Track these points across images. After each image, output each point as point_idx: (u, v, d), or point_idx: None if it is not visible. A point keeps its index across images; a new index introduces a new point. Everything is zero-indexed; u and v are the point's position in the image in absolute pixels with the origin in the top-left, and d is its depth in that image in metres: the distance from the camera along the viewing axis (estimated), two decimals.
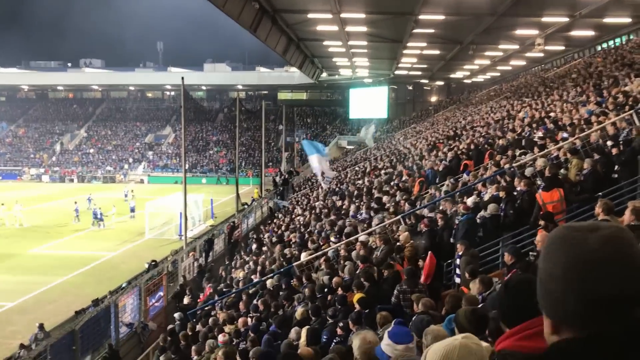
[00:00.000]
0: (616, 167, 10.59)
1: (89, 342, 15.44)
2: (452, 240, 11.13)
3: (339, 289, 9.65)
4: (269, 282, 13.58)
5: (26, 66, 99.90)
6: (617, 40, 33.05)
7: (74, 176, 68.03)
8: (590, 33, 31.91)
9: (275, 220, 29.23)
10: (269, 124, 69.25)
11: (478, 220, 11.11)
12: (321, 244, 15.19)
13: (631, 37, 30.99)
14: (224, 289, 17.87)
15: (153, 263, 23.27)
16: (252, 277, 16.48)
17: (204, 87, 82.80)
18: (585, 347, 1.13)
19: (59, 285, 24.15)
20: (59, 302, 21.46)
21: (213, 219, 37.23)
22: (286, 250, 17.02)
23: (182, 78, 28.32)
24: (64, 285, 24.26)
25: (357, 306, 8.67)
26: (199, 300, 18.51)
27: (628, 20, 28.49)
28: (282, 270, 14.10)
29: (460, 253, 9.20)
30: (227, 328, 11.79)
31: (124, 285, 20.24)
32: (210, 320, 13.66)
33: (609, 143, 11.39)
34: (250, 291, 14.73)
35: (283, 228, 23.64)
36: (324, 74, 60.65)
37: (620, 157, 10.56)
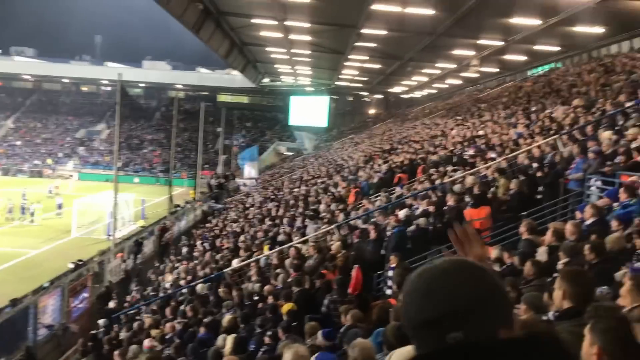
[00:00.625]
0: (540, 189, 11.15)
1: (4, 344, 14.67)
2: (382, 252, 11.36)
3: (270, 297, 9.64)
4: (198, 288, 13.38)
5: None
6: (547, 66, 34.78)
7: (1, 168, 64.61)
8: (522, 58, 33.43)
9: (208, 225, 28.82)
10: (207, 126, 68.25)
11: (408, 234, 11.41)
12: (254, 251, 15.12)
13: (559, 65, 32.70)
14: (152, 293, 17.46)
15: (79, 262, 22.41)
16: (182, 282, 16.19)
17: (142, 85, 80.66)
18: None
19: None
20: None
21: (144, 220, 36.29)
22: (218, 256, 16.84)
23: (120, 74, 27.56)
24: None
25: (287, 316, 8.70)
26: (125, 304, 17.98)
27: (557, 48, 30.07)
28: (212, 276, 13.93)
29: (392, 265, 9.39)
30: (153, 332, 11.53)
31: (46, 285, 19.37)
32: (136, 324, 13.32)
33: (535, 165, 11.99)
34: (180, 296, 14.46)
35: (216, 233, 23.35)
36: (266, 79, 60.57)
37: (544, 179, 11.12)
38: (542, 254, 7.35)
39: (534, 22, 23.95)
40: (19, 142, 71.38)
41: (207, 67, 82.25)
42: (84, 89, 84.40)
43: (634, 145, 9.77)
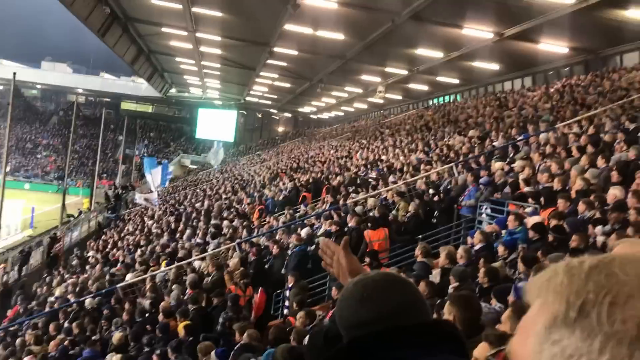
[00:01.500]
0: (436, 213, 11.66)
1: None
2: (283, 271, 11.35)
3: (161, 314, 9.31)
4: (87, 303, 12.67)
5: None
6: (447, 97, 36.70)
7: None
8: (424, 88, 35.08)
9: (102, 237, 27.46)
10: (108, 134, 65.54)
11: (309, 253, 11.48)
12: (150, 265, 14.57)
13: (458, 97, 34.60)
14: (36, 308, 16.31)
15: None
16: (70, 296, 15.25)
17: (39, 86, 76.08)
18: None
19: None
20: None
21: (32, 229, 33.99)
22: (112, 270, 16.06)
23: (14, 73, 25.86)
24: None
25: (182, 334, 8.43)
26: (4, 320, 16.66)
27: (456, 81, 31.85)
28: (104, 291, 13.25)
29: (290, 285, 9.39)
30: (34, 349, 10.76)
31: None
32: (18, 341, 12.38)
33: (431, 190, 12.55)
34: (68, 311, 13.60)
35: (110, 246, 22.29)
36: (174, 90, 59.26)
37: (440, 204, 11.64)
38: (435, 276, 7.66)
39: (437, 54, 25.26)
40: None
41: (112, 72, 79.12)
42: None
43: (521, 176, 10.48)
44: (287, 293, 9.40)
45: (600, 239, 6.46)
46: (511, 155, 12.75)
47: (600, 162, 9.36)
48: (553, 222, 7.28)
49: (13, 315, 17.11)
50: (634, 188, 7.44)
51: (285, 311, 9.43)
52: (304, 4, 19.60)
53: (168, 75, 49.17)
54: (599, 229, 6.75)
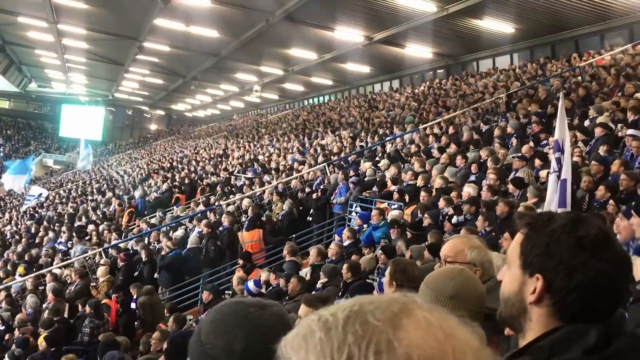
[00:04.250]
0: (311, 211, 11.88)
1: None
2: (156, 275, 10.96)
3: (17, 328, 8.62)
4: None
5: None
6: (322, 98, 37.53)
7: None
8: (300, 88, 35.59)
9: None
10: None
11: (183, 256, 11.21)
12: (2, 276, 13.39)
13: (332, 97, 35.51)
14: None
15: None
16: None
17: None
18: None
19: None
20: None
21: None
22: None
23: None
24: None
25: (43, 346, 7.88)
26: None
27: (330, 82, 32.67)
28: None
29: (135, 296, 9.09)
30: None
31: None
32: None
33: (308, 189, 12.77)
34: None
35: None
36: (34, 84, 54.86)
37: (316, 202, 11.87)
38: (305, 273, 7.82)
39: (311, 55, 25.75)
40: None
41: None
42: None
43: (388, 175, 11.00)
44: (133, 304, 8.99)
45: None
46: (379, 155, 13.32)
47: (460, 161, 10.08)
48: (411, 219, 7.74)
49: None
50: (489, 183, 8.11)
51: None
52: None
53: (27, 69, 45.49)
54: (454, 219, 7.31)
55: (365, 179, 11.52)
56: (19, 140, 67.97)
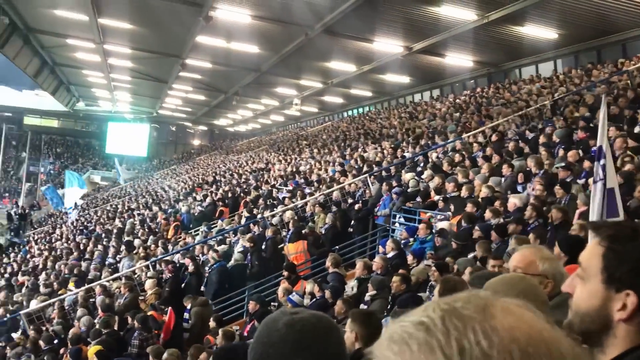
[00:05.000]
0: (352, 223, 11.85)
1: None
2: (202, 288, 11.11)
3: (73, 341, 8.84)
4: None
5: None
6: (361, 109, 37.54)
7: None
8: (339, 100, 35.71)
9: (5, 260, 25.71)
10: (10, 150, 61.77)
11: (229, 268, 11.33)
12: (57, 289, 13.80)
13: (371, 108, 35.47)
14: None
15: None
16: None
17: None
18: None
19: None
20: None
21: None
22: (15, 296, 15.07)
23: None
24: None
25: (94, 358, 8.04)
26: None
27: (369, 93, 32.68)
28: (5, 319, 12.40)
29: (188, 307, 9.18)
30: None
31: None
32: None
33: (350, 201, 12.76)
34: None
35: (14, 269, 20.92)
36: (81, 103, 56.73)
37: (358, 214, 11.83)
38: (352, 287, 7.78)
39: (350, 67, 25.84)
40: None
41: (12, 86, 74.55)
42: None
43: (431, 185, 10.88)
44: (186, 315, 9.09)
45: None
46: (421, 165, 13.20)
47: (505, 170, 9.87)
48: (457, 229, 7.61)
49: None
50: (536, 194, 7.90)
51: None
52: (216, 16, 19.45)
53: (75, 89, 47.09)
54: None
55: (408, 190, 11.42)
56: (68, 158, 70.30)
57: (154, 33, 24.30)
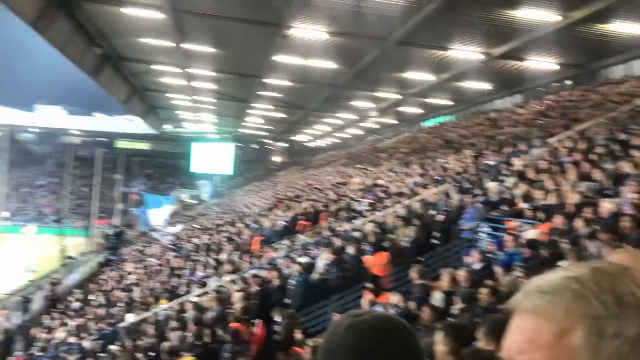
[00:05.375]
0: (435, 234, 11.63)
1: None
2: (288, 300, 11.27)
3: (167, 352, 9.22)
4: (88, 345, 12.54)
5: None
6: (440, 118, 36.94)
7: None
8: (417, 110, 35.35)
9: (103, 277, 27.30)
10: (104, 173, 65.57)
11: (311, 281, 11.43)
12: (151, 304, 14.46)
13: (452, 117, 34.82)
14: (38, 353, 16.12)
15: None
16: (72, 339, 15.09)
17: (34, 130, 76.50)
18: None
19: None
20: None
21: (32, 274, 33.72)
22: (112, 311, 15.93)
23: (9, 118, 25.98)
24: None
25: None
26: None
27: (448, 102, 32.12)
28: (105, 332, 13.13)
29: (277, 319, 9.30)
30: None
31: None
32: None
33: (432, 212, 12.55)
34: (70, 355, 13.44)
35: (111, 286, 22.14)
36: (168, 126, 59.54)
37: (441, 225, 11.62)
38: (438, 299, 7.61)
39: (427, 77, 25.54)
40: None
41: (105, 111, 79.50)
42: None
43: (518, 193, 10.51)
44: (275, 327, 9.22)
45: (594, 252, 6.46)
46: (504, 173, 12.80)
47: (597, 174, 9.40)
48: (548, 238, 7.28)
49: None
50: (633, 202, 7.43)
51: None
52: (292, 35, 19.88)
53: (162, 112, 49.47)
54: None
55: (493, 199, 11.10)
56: (157, 178, 73.69)
57: (233, 55, 25.15)
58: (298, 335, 8.75)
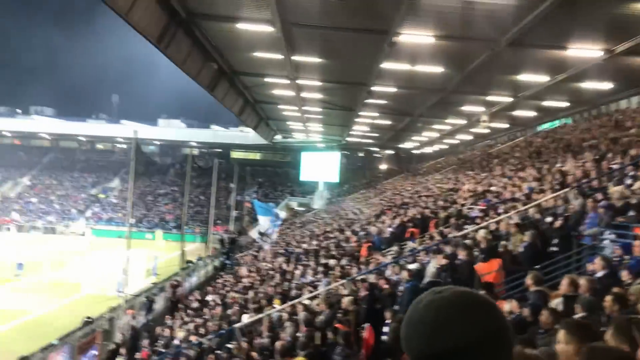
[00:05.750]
0: (554, 241, 11.05)
1: None
2: (396, 307, 11.22)
3: (280, 352, 9.51)
4: (207, 343, 13.21)
5: None
6: (557, 121, 35.05)
7: (11, 225, 64.93)
8: (532, 113, 33.76)
9: (219, 280, 28.66)
10: (220, 182, 68.95)
11: (420, 287, 11.30)
12: (264, 305, 14.98)
13: (569, 120, 32.94)
14: (162, 350, 17.23)
15: (88, 320, 22.23)
16: (192, 337, 15.98)
17: (157, 142, 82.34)
18: None
19: None
20: None
21: (155, 276, 36.15)
22: (228, 312, 16.68)
23: (135, 132, 28.19)
24: None
25: None
26: None
27: (566, 104, 30.38)
28: (222, 331, 13.77)
29: (388, 320, 9.28)
30: None
31: (55, 343, 19.16)
32: None
33: (549, 218, 11.94)
34: (190, 353, 14.25)
35: (227, 288, 23.19)
36: (278, 136, 61.47)
37: (558, 232, 11.04)
38: (558, 304, 7.22)
39: (542, 78, 24.34)
40: (34, 199, 72.38)
41: (220, 124, 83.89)
42: (100, 146, 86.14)
43: None
44: (386, 329, 9.23)
45: None
46: (631, 176, 11.90)
47: None
48: None
49: (142, 358, 18.15)
50: None
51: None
52: (400, 41, 19.81)
53: (273, 123, 51.17)
54: None
55: (617, 203, 10.36)
56: (269, 187, 76.27)
57: (341, 64, 25.48)
58: None
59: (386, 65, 23.49)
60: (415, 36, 19.50)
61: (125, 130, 73.58)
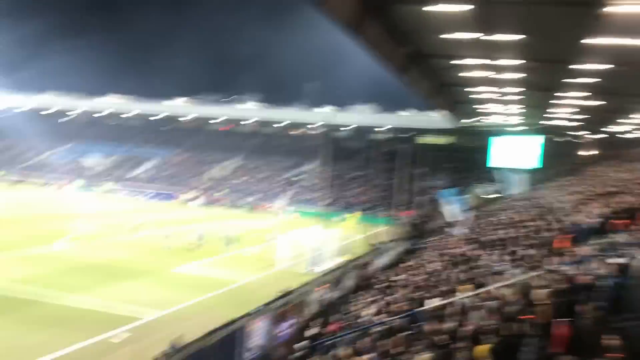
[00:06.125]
0: None
1: None
2: (597, 302, 10.33)
3: (466, 338, 9.38)
4: (394, 323, 13.48)
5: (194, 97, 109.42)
6: None
7: (225, 202, 73.08)
8: None
9: (408, 263, 28.95)
10: (407, 167, 69.28)
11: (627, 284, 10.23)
12: (450, 291, 14.83)
13: None
14: (349, 326, 17.96)
15: (285, 293, 24.00)
16: (380, 316, 16.41)
17: (348, 126, 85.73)
18: None
19: (194, 305, 25.69)
20: (193, 321, 22.55)
21: (346, 255, 37.75)
22: (416, 294, 16.81)
23: (328, 117, 29.47)
24: (199, 305, 25.73)
25: (484, 356, 8.40)
26: (323, 334, 18.75)
27: None
28: (409, 313, 13.96)
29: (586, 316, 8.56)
30: None
31: (258, 309, 21.01)
32: (330, 354, 13.85)
33: None
34: (376, 330, 14.66)
35: (414, 271, 23.35)
36: (466, 120, 59.63)
37: None
38: None
39: None
40: (241, 180, 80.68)
41: (405, 109, 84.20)
42: (299, 131, 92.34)
43: None
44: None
45: None
46: None
47: None
48: None
49: (331, 331, 19.12)
50: None
51: None
52: (611, 12, 17.88)
53: (461, 106, 49.80)
54: None
55: None
56: (456, 172, 74.76)
57: (540, 41, 23.80)
58: (606, 341, 7.97)
59: (591, 40, 21.42)
60: (625, 6, 17.48)
61: (322, 115, 77.84)
